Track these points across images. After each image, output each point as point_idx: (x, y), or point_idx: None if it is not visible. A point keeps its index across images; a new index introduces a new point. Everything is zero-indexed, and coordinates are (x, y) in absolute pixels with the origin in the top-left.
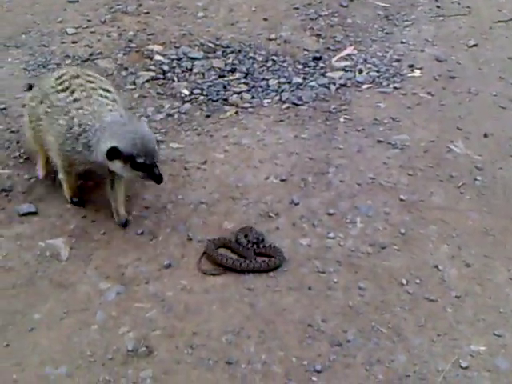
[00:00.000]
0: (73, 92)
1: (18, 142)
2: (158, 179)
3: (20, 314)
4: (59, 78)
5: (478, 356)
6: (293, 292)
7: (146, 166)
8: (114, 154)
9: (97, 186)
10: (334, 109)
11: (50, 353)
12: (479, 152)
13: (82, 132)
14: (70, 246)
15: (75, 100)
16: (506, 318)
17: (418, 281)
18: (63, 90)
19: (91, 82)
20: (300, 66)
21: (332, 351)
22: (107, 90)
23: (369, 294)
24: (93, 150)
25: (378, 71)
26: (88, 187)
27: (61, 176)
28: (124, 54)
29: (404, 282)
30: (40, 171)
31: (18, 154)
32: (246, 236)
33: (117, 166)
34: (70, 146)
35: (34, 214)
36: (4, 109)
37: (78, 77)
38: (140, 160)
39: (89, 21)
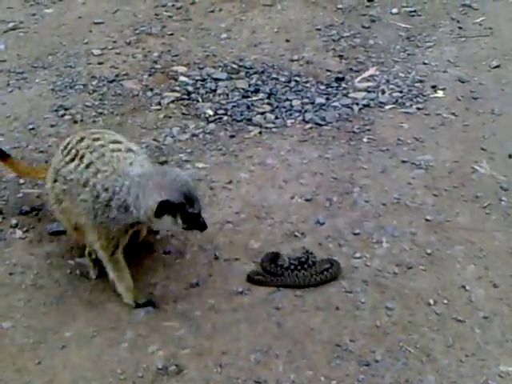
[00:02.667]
0: (82, 158)
1: (46, 162)
2: (204, 226)
3: (51, 331)
4: (65, 148)
5: (507, 377)
6: (320, 312)
7: (195, 216)
8: (163, 208)
9: None
10: (357, 129)
11: (81, 371)
12: (504, 172)
13: (112, 196)
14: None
15: (88, 166)
16: None
17: (445, 301)
18: (72, 160)
19: (97, 139)
20: (323, 87)
21: (360, 371)
22: (117, 142)
23: (396, 314)
24: (132, 209)
25: (400, 92)
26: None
27: (112, 274)
28: (149, 75)
29: (431, 302)
30: (92, 271)
31: None
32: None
33: (166, 221)
34: (103, 217)
35: (63, 232)
36: (32, 129)
37: (82, 139)
38: (191, 210)
39: (114, 42)
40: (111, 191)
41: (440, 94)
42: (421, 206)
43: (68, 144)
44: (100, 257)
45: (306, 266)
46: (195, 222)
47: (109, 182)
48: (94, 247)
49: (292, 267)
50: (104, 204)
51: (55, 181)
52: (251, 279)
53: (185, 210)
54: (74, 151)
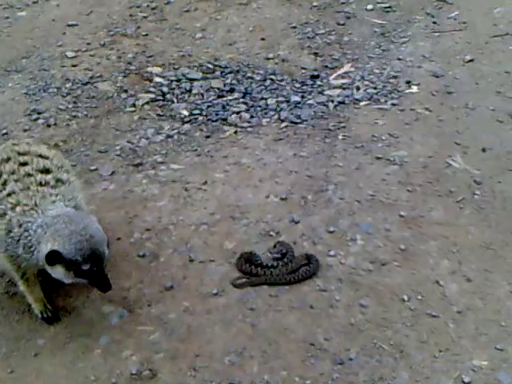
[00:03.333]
0: (4, 184)
1: None
2: (105, 288)
3: (24, 339)
4: None
5: (480, 371)
6: (295, 311)
7: (93, 273)
8: (54, 258)
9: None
10: (332, 126)
11: (54, 378)
12: (478, 166)
13: (22, 233)
14: None
15: (9, 194)
16: (508, 332)
17: (419, 297)
18: None
19: (25, 163)
20: (298, 85)
21: (335, 370)
22: (47, 171)
23: (370, 311)
24: (34, 251)
25: (375, 88)
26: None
27: (21, 287)
28: (124, 77)
29: (405, 298)
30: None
31: None
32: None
33: (58, 271)
34: (11, 252)
35: None
36: (5, 133)
37: (8, 160)
38: (85, 267)
39: (88, 44)
40: (23, 228)
41: (414, 89)
42: (395, 202)
43: None
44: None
45: (283, 262)
46: (94, 280)
47: (24, 218)
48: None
49: (269, 264)
50: (15, 239)
51: None
52: (236, 286)
53: (78, 265)
54: None
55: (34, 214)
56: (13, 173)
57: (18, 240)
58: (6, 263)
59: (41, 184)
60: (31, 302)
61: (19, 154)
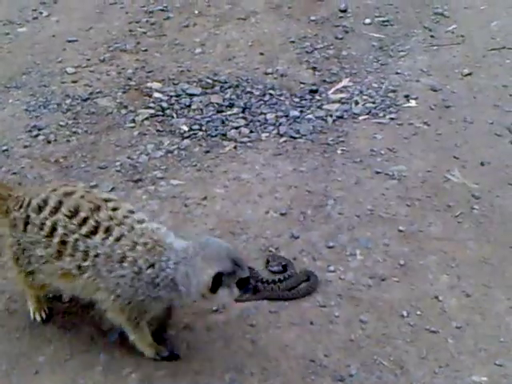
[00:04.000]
0: (108, 231)
1: (19, 184)
2: (256, 287)
3: (25, 356)
4: (72, 213)
5: None
6: (295, 327)
7: (247, 279)
8: (218, 281)
9: None
10: (331, 141)
11: None
12: (476, 180)
13: (158, 273)
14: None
15: (119, 239)
16: (507, 348)
17: (418, 312)
18: (93, 233)
19: (115, 209)
20: (297, 99)
21: None
22: (132, 211)
23: (370, 326)
24: (181, 288)
25: (373, 102)
26: None
27: (133, 337)
28: (123, 92)
29: (405, 313)
30: (37, 315)
31: None
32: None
33: (221, 294)
34: (143, 295)
35: None
36: (6, 150)
37: (99, 209)
38: (245, 275)
39: (88, 60)
40: (157, 267)
41: (413, 103)
42: (394, 217)
43: (77, 209)
44: (116, 321)
45: (282, 278)
46: (248, 286)
47: (154, 257)
48: (110, 315)
49: (270, 280)
50: (148, 281)
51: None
52: (238, 301)
53: (237, 276)
54: (92, 222)
55: (162, 252)
56: (110, 219)
57: (152, 282)
58: (119, 311)
59: (139, 222)
60: (144, 348)
61: (105, 200)
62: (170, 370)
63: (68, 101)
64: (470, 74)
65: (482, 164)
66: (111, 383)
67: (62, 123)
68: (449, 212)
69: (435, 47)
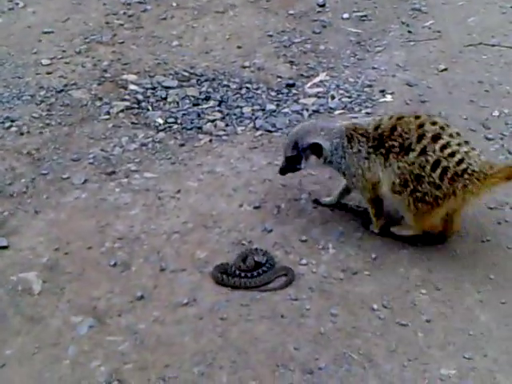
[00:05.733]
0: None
1: None
2: None
3: None
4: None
5: (447, 380)
6: (265, 320)
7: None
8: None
9: None
10: None
11: None
12: None
13: None
14: (42, 279)
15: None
16: (476, 341)
17: (389, 305)
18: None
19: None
20: (273, 93)
21: (304, 379)
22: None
23: (341, 320)
24: None
25: (350, 97)
26: None
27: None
28: (98, 84)
29: (375, 307)
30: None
31: None
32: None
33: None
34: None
35: (6, 248)
36: None
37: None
38: None
39: (64, 51)
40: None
41: (388, 98)
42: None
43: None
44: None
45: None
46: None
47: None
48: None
49: (243, 274)
50: None
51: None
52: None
53: None
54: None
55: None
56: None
57: None
58: None
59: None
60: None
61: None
62: (139, 363)
63: (42, 92)
64: (445, 70)
65: None
66: (79, 377)
67: (35, 115)
68: None
69: (412, 42)
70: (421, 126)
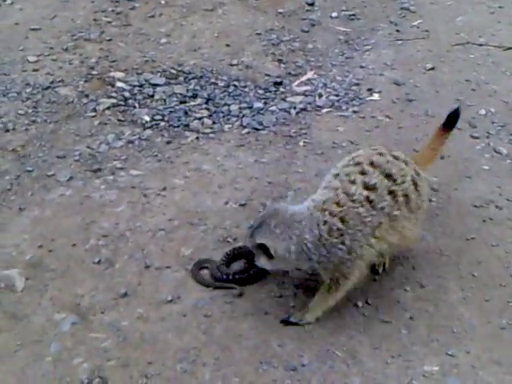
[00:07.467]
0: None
1: None
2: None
3: None
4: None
5: (431, 376)
6: (249, 317)
7: None
8: None
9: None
10: (294, 133)
11: None
12: (435, 173)
13: None
14: (25, 276)
15: None
16: (459, 338)
17: (373, 303)
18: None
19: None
20: (261, 91)
21: (287, 376)
22: None
23: (324, 317)
24: None
25: (337, 95)
26: None
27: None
28: (85, 82)
29: (359, 304)
30: None
31: None
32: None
33: None
34: None
35: None
36: None
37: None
38: None
39: (51, 48)
40: None
41: (376, 96)
42: None
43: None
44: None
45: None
46: None
47: None
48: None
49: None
50: None
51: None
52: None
53: None
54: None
55: None
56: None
57: None
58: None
59: None
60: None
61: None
62: (122, 360)
63: (28, 89)
64: (433, 69)
65: (442, 157)
66: (61, 374)
67: (21, 112)
68: None
69: (400, 42)
70: None
